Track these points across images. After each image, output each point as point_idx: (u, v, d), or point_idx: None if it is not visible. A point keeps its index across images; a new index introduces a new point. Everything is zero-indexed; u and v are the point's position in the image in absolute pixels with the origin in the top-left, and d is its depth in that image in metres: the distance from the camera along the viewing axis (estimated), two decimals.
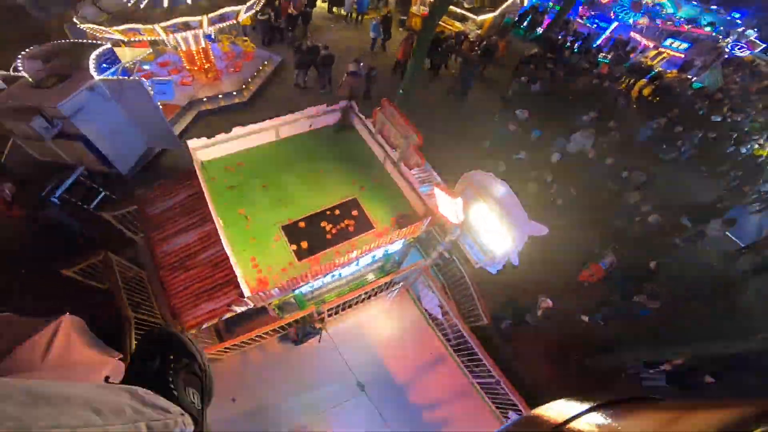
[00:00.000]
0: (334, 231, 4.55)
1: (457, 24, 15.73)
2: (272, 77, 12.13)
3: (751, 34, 24.64)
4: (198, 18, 9.72)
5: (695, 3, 22.02)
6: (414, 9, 15.65)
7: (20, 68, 8.27)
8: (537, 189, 8.65)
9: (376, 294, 5.67)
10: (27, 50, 8.47)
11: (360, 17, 16.31)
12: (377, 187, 4.90)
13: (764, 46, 25.31)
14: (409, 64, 9.18)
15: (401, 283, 6.06)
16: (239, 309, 3.99)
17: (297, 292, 4.95)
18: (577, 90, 12.62)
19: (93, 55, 8.19)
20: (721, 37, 20.73)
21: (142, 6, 10.26)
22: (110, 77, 8.12)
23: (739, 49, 19.46)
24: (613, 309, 8.30)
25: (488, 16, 14.83)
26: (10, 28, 12.82)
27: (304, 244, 4.44)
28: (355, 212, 4.65)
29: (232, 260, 4.02)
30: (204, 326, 4.17)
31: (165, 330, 1.09)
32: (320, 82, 11.66)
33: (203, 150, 5.00)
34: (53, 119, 7.62)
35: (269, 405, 5.24)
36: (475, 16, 14.70)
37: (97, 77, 8.03)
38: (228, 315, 4.16)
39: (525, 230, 3.18)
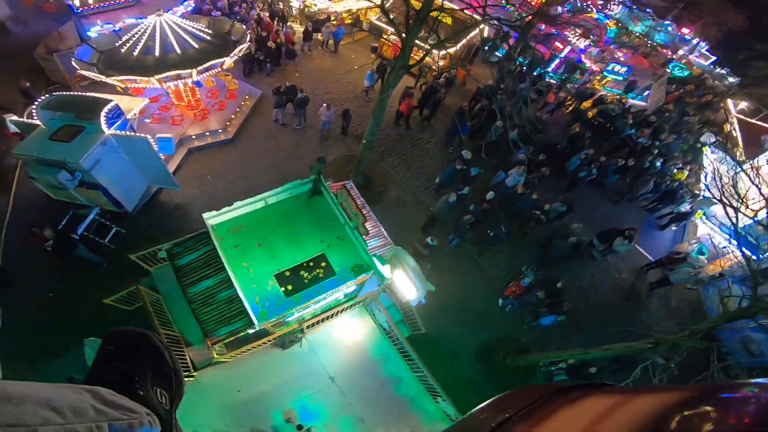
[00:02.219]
0: (309, 277, 7.28)
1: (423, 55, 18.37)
2: (253, 111, 14.66)
3: (703, 47, 28.22)
4: (188, 71, 12.02)
5: (649, 18, 25.31)
6: (384, 38, 18.19)
7: (35, 116, 10.51)
8: (472, 219, 11.58)
9: (342, 311, 8.47)
10: (40, 99, 10.65)
11: (336, 45, 18.80)
12: (339, 243, 7.65)
13: (714, 59, 29.00)
14: (374, 109, 11.55)
15: (360, 304, 8.90)
16: (251, 331, 6.73)
17: (286, 320, 7.70)
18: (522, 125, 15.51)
19: (103, 112, 10.41)
20: (669, 53, 24.14)
21: (135, 54, 12.51)
22: (120, 132, 10.46)
23: (678, 69, 22.78)
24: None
25: (450, 50, 17.50)
26: None
27: (290, 287, 7.16)
28: (323, 263, 7.40)
29: (242, 299, 6.72)
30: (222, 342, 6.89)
31: (130, 329, 1.13)
32: (297, 119, 14.30)
33: (214, 219, 7.60)
34: (75, 172, 9.97)
35: (264, 393, 8.03)
36: (437, 51, 17.38)
37: (107, 132, 10.37)
38: (240, 335, 6.90)
39: (422, 289, 6.03)
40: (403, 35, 9.36)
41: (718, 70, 27.71)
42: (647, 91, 21.32)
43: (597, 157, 14.97)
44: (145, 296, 8.27)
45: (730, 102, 24.82)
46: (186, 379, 6.64)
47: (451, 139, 15.27)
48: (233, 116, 13.96)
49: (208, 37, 13.21)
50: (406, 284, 6.42)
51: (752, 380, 0.67)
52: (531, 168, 13.27)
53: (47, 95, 10.79)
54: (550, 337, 11.73)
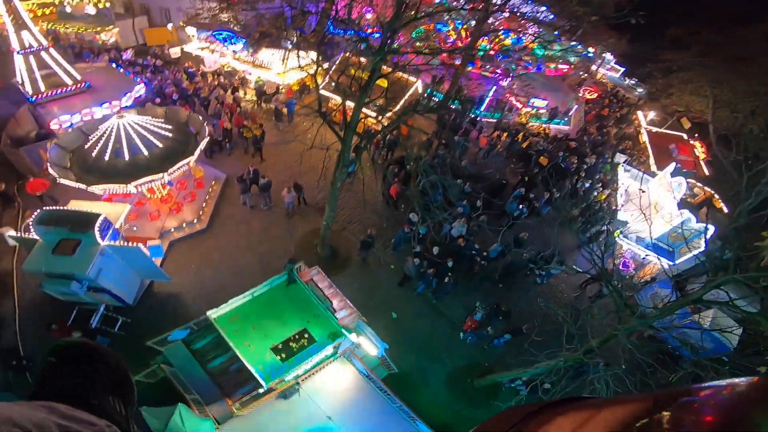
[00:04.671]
0: (297, 346, 10.32)
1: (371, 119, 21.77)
2: (222, 196, 17.66)
3: (611, 60, 33.30)
4: (160, 175, 14.73)
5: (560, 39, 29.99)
6: (332, 104, 21.61)
7: (32, 231, 13.03)
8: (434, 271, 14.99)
9: (329, 364, 11.50)
10: (35, 215, 12.97)
11: (290, 116, 22.12)
12: (316, 319, 10.77)
13: (623, 69, 34.28)
14: (329, 199, 14.57)
15: (341, 357, 11.95)
16: (260, 390, 9.67)
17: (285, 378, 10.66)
18: (462, 174, 19.01)
19: (96, 226, 13.09)
20: (581, 74, 28.93)
21: (106, 158, 15.11)
22: (115, 243, 13.19)
23: (588, 93, 27.51)
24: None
25: (389, 114, 21.10)
26: None
27: (284, 355, 10.15)
28: (306, 335, 10.46)
29: (250, 368, 9.64)
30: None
31: (70, 340, 1.19)
32: (263, 201, 17.38)
33: (216, 313, 10.54)
34: (83, 281, 12.61)
35: None
36: (380, 116, 20.95)
37: (102, 243, 13.09)
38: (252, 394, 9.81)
39: (380, 347, 9.21)
40: (352, 103, 11.69)
41: (627, 81, 32.85)
42: (568, 115, 25.79)
43: (527, 195, 18.71)
44: (166, 371, 11.01)
45: (640, 114, 29.03)
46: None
47: (397, 202, 18.46)
48: (204, 205, 16.92)
49: (170, 134, 15.70)
50: (369, 344, 9.64)
51: (707, 383, 0.76)
52: (472, 216, 16.77)
53: (39, 211, 13.15)
54: (511, 356, 14.51)
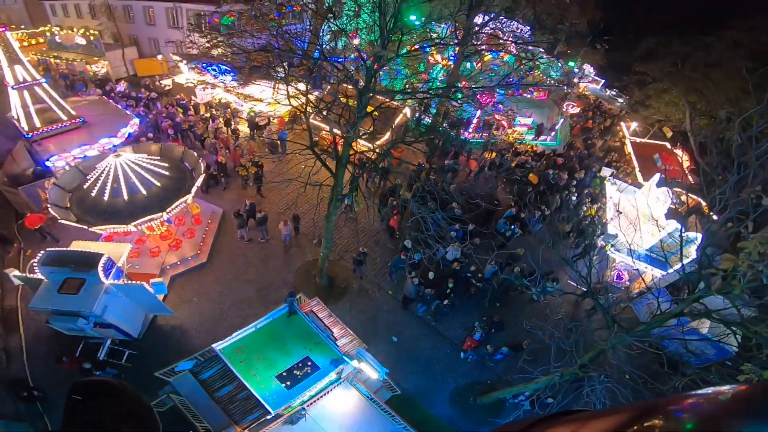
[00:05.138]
0: (301, 374, 10.84)
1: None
2: (219, 231, 18.30)
3: (591, 72, 34.63)
4: (159, 214, 15.29)
5: (541, 55, 31.26)
6: (324, 133, 22.44)
7: (36, 272, 13.55)
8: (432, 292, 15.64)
9: (333, 389, 12.00)
10: (39, 256, 13.50)
11: (283, 147, 22.95)
12: (317, 347, 11.31)
13: (603, 81, 35.61)
14: (324, 231, 15.25)
15: (345, 381, 12.45)
16: (268, 417, 10.15)
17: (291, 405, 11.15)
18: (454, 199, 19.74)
19: (100, 265, 13.67)
20: (565, 88, 30.07)
21: (105, 198, 15.69)
22: (119, 281, 13.74)
23: (571, 108, 28.65)
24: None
25: (382, 140, 22.01)
26: None
27: (288, 383, 10.67)
28: (309, 363, 11.00)
29: (257, 397, 10.14)
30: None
31: (92, 379, 1.30)
32: (260, 235, 18.04)
33: (221, 345, 11.09)
34: (89, 318, 13.12)
35: None
36: (370, 144, 21.80)
37: (106, 282, 13.64)
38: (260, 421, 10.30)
39: (380, 372, 9.79)
40: (343, 134, 12.08)
41: (608, 92, 34.08)
42: (554, 130, 26.82)
43: (518, 215, 19.44)
44: (175, 400, 11.45)
45: (623, 125, 30.12)
46: None
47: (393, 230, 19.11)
48: (203, 240, 17.54)
49: (166, 172, 16.31)
50: (370, 369, 10.25)
51: (693, 392, 0.79)
52: (465, 240, 17.44)
53: (43, 252, 13.66)
54: (512, 372, 14.84)
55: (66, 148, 20.33)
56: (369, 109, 12.01)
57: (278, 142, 23.36)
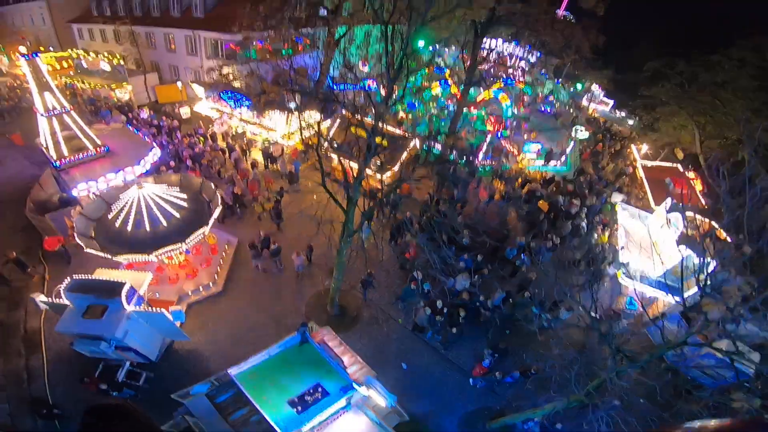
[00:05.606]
0: (311, 399, 11.38)
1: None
2: (234, 260, 19.16)
3: (599, 94, 35.18)
4: (179, 245, 16.27)
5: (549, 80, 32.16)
6: (335, 164, 23.36)
7: (62, 297, 14.39)
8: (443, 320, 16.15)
9: (343, 414, 12.49)
10: (65, 283, 14.32)
11: (297, 176, 23.95)
12: (328, 374, 11.89)
13: (612, 102, 36.08)
14: (336, 263, 15.90)
15: (355, 406, 12.94)
16: None
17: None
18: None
19: (123, 293, 14.52)
20: (572, 111, 30.72)
21: (129, 229, 16.73)
22: (140, 308, 14.58)
23: (580, 132, 29.19)
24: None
25: (392, 171, 22.87)
26: None
27: (300, 408, 11.22)
28: (320, 389, 11.56)
29: (269, 421, 10.69)
30: None
31: (110, 403, 1.38)
32: (275, 266, 18.89)
33: (235, 370, 11.74)
34: (111, 341, 13.93)
35: None
36: (379, 175, 22.62)
37: (128, 309, 14.49)
38: None
39: (388, 399, 10.31)
40: (356, 164, 13.08)
41: (618, 114, 34.43)
42: (564, 155, 27.34)
43: (528, 245, 19.83)
44: (190, 422, 12.02)
45: (634, 148, 30.24)
46: None
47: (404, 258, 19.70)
48: (219, 269, 18.42)
49: (185, 203, 17.33)
50: (378, 397, 10.82)
51: (696, 421, 0.80)
52: (475, 268, 17.94)
53: (69, 279, 14.51)
54: (522, 398, 15.00)
55: (90, 176, 21.35)
56: (378, 140, 12.79)
57: (293, 172, 24.27)
